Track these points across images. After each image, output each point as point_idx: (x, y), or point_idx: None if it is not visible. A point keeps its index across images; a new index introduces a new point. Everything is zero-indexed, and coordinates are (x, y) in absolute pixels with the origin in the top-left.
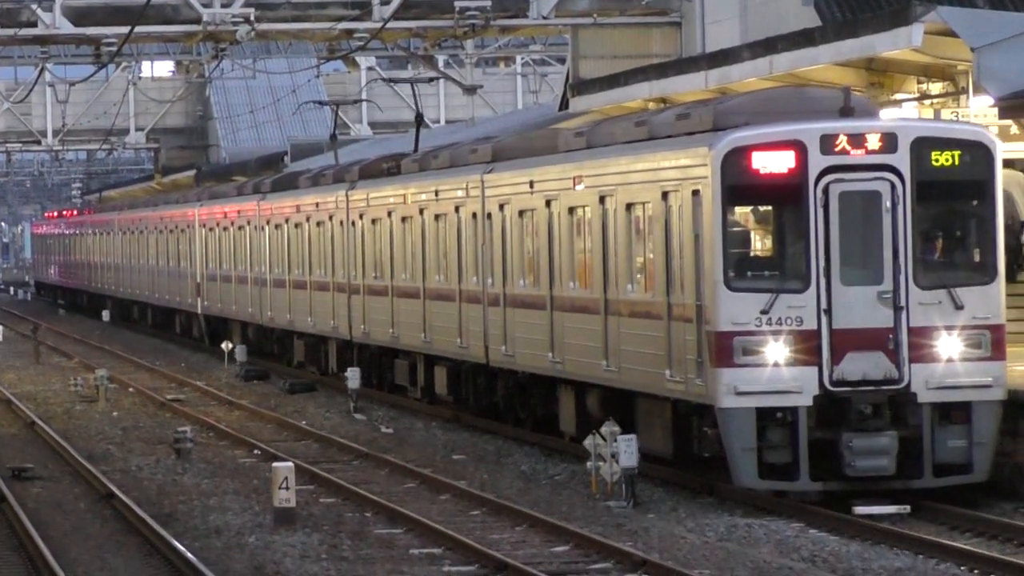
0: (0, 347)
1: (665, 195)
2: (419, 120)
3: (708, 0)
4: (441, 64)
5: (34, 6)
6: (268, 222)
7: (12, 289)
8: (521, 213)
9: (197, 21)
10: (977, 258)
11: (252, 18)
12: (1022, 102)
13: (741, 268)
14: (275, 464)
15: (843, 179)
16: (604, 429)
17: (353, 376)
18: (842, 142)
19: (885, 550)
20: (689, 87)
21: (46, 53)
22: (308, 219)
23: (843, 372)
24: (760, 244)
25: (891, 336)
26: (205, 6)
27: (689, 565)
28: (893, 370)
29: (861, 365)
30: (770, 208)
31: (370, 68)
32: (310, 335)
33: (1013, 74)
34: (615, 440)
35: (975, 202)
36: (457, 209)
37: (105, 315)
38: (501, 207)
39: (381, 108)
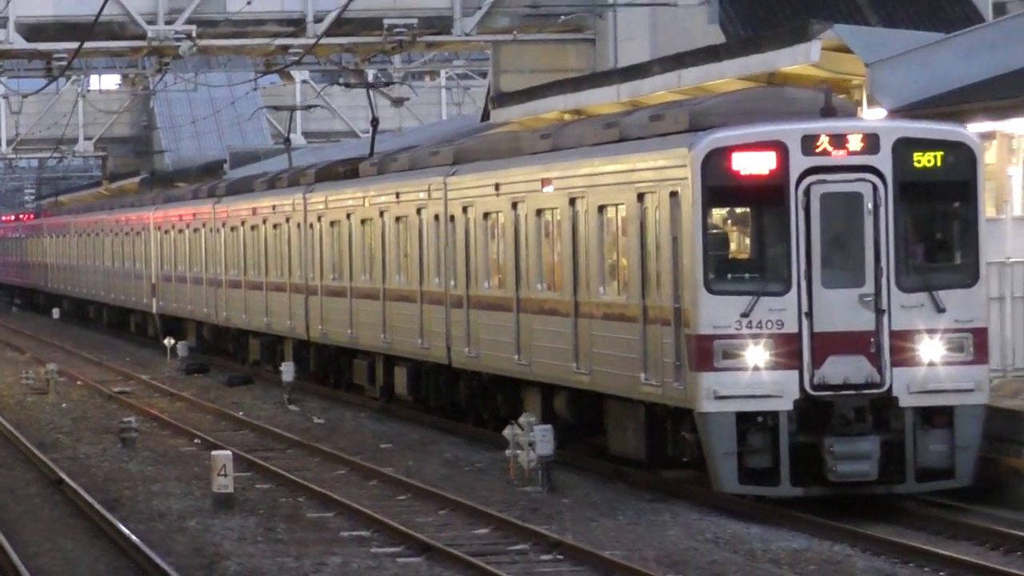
0: None
1: (641, 196)
2: (375, 124)
3: (620, 18)
4: (370, 77)
5: None
6: (224, 224)
7: None
8: (486, 215)
9: (142, 37)
10: (960, 260)
11: (194, 34)
12: (913, 113)
13: (721, 271)
14: (214, 452)
15: (825, 180)
16: (522, 419)
17: (287, 370)
18: (823, 143)
19: (784, 532)
20: (602, 100)
21: (0, 67)
22: (264, 221)
23: (824, 376)
24: (740, 246)
25: (873, 339)
26: (150, 23)
27: (600, 546)
28: (875, 374)
29: (842, 369)
30: (750, 209)
31: (304, 81)
32: (266, 334)
33: (904, 87)
34: (532, 430)
35: (958, 203)
36: (419, 211)
37: (55, 313)
38: (464, 209)
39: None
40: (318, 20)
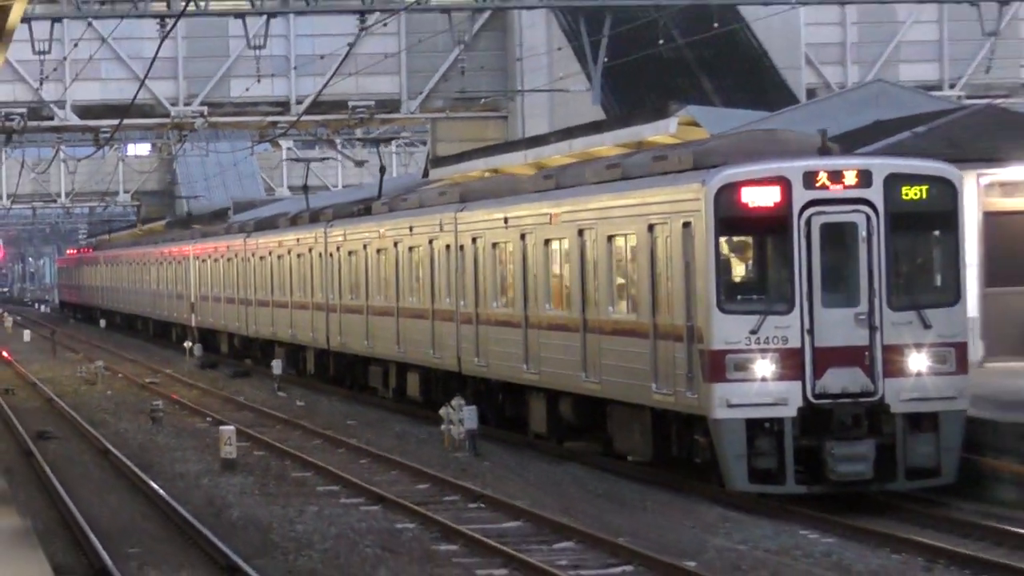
0: (27, 345)
1: (651, 227)
2: (383, 172)
3: (526, 101)
4: (339, 145)
5: (52, 105)
6: (254, 255)
7: (36, 304)
8: (495, 245)
9: (167, 116)
10: (943, 282)
11: (206, 113)
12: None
13: (732, 292)
14: (221, 427)
15: (824, 211)
16: (454, 402)
17: (276, 365)
18: (823, 178)
19: (643, 486)
20: (513, 162)
21: (60, 138)
22: (289, 252)
23: (824, 386)
24: (748, 270)
25: (867, 353)
26: (172, 105)
27: (513, 497)
28: (869, 384)
29: (840, 379)
30: (758, 237)
31: (288, 148)
32: (290, 344)
33: None
34: (462, 410)
35: (941, 231)
36: (431, 242)
37: (102, 323)
38: (474, 240)
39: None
40: (299, 102)
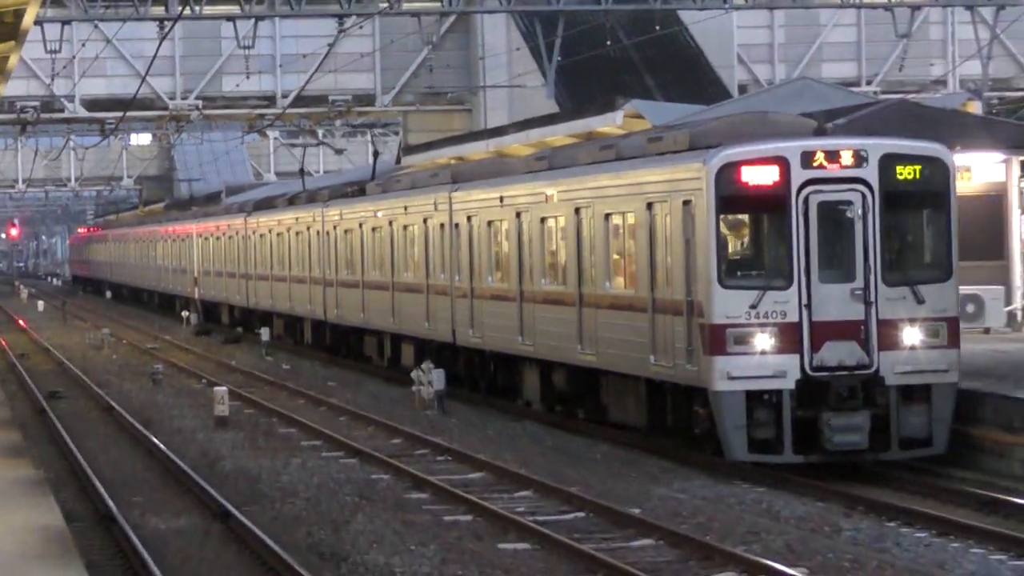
0: (41, 314)
1: (650, 205)
2: (376, 156)
3: (488, 96)
4: (321, 134)
5: (62, 99)
6: (254, 233)
7: (49, 278)
8: (489, 223)
9: (166, 109)
10: (935, 259)
11: (200, 107)
12: None
13: (732, 268)
14: (215, 388)
15: (821, 190)
16: (424, 365)
17: (265, 332)
18: (820, 158)
19: (591, 441)
20: (476, 151)
21: (70, 129)
22: (288, 230)
23: (822, 359)
24: (748, 247)
25: (863, 327)
26: (171, 99)
27: (476, 451)
28: (864, 357)
29: (837, 353)
30: (757, 215)
31: (275, 138)
32: (288, 315)
33: None
34: (431, 373)
35: (934, 210)
36: (425, 221)
37: (108, 295)
38: (469, 218)
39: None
40: (284, 96)
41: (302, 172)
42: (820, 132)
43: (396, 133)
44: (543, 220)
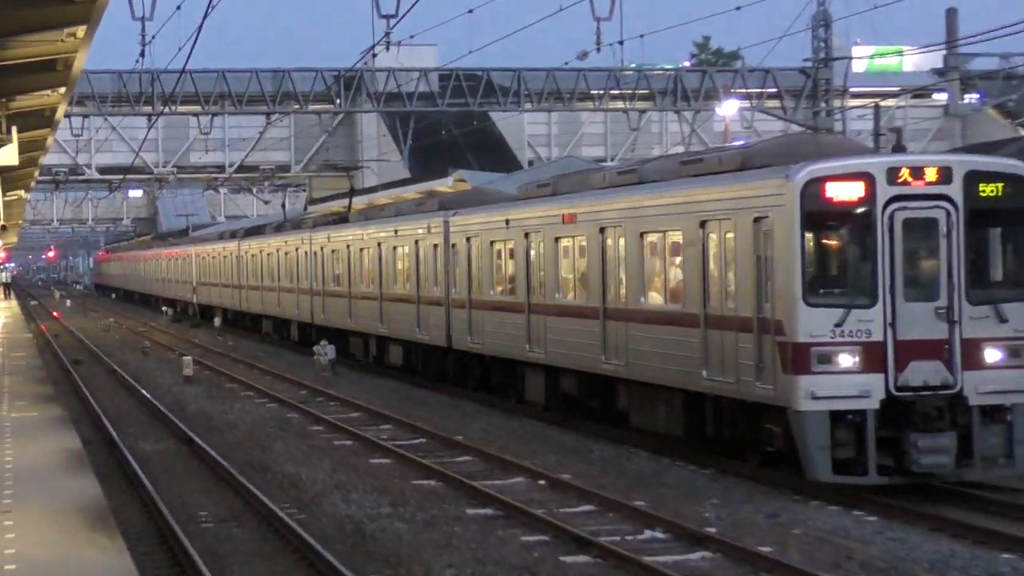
0: (68, 309)
1: (704, 223)
2: (283, 205)
3: (366, 169)
4: (255, 191)
5: (83, 166)
6: (245, 253)
7: (75, 284)
8: (492, 243)
9: (152, 173)
10: (1017, 277)
11: (175, 172)
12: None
13: (816, 286)
14: (183, 356)
15: (906, 207)
16: (322, 342)
17: (217, 320)
18: (905, 174)
19: (431, 393)
20: (358, 201)
21: (88, 186)
22: (278, 251)
23: (906, 379)
24: (833, 264)
25: (947, 346)
26: (155, 167)
27: (357, 399)
28: (948, 377)
29: (922, 372)
30: (842, 232)
31: (224, 192)
32: (276, 317)
33: None
34: (326, 348)
35: (1016, 227)
36: (416, 243)
37: (113, 296)
38: (468, 239)
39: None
40: (231, 166)
41: (284, 207)
42: (899, 149)
43: (304, 190)
44: (557, 239)
